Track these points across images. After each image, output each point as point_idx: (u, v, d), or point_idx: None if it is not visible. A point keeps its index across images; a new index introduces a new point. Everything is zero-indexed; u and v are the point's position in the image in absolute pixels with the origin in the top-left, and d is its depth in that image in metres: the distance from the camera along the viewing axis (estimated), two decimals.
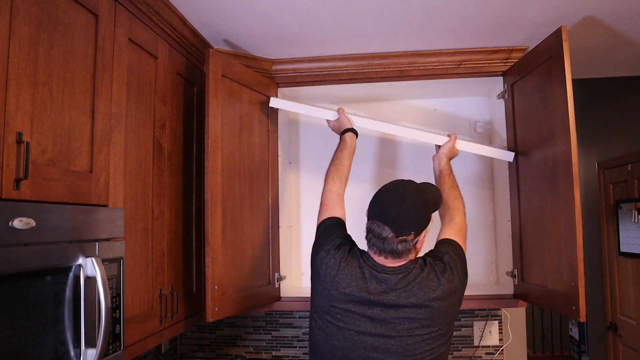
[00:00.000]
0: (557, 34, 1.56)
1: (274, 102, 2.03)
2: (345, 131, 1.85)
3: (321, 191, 1.67)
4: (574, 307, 1.47)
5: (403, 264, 1.37)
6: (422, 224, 1.37)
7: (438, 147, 1.90)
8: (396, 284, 1.35)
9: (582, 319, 1.44)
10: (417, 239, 1.37)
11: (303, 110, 2.06)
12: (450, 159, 1.86)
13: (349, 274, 1.38)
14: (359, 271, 1.38)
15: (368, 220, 1.40)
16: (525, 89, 1.85)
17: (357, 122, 1.94)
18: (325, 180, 1.69)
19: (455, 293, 1.39)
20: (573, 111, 1.50)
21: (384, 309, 1.34)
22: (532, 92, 1.79)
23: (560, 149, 1.55)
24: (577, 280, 1.46)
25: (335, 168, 1.71)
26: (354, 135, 1.85)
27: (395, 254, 1.35)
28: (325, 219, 1.56)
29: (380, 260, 1.38)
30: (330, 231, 1.51)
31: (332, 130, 1.97)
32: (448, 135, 1.89)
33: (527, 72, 1.81)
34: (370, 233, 1.38)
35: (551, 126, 1.61)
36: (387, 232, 1.33)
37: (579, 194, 1.47)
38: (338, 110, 1.93)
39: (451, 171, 1.81)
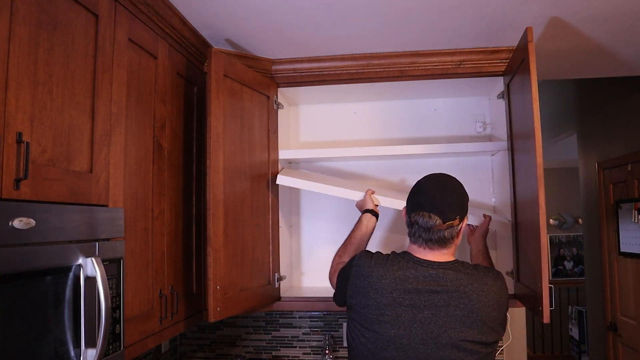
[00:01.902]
0: (524, 35, 1.56)
1: (282, 180, 2.01)
2: (365, 211, 1.83)
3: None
4: (540, 308, 1.44)
5: (451, 260, 1.37)
6: (464, 208, 1.39)
7: (473, 227, 1.89)
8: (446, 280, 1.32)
9: (546, 320, 1.41)
10: (460, 225, 1.37)
11: (326, 190, 1.98)
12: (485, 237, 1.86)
13: (393, 276, 1.34)
14: (404, 272, 1.34)
15: (410, 215, 1.39)
16: (514, 88, 1.86)
17: (383, 203, 1.91)
18: (333, 259, 1.72)
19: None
20: (538, 110, 1.49)
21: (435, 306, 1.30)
22: (517, 92, 1.79)
23: (531, 148, 1.55)
24: (541, 281, 1.42)
25: (344, 247, 1.73)
26: (373, 218, 1.80)
27: (443, 242, 1.35)
28: (344, 265, 1.53)
29: (427, 254, 1.36)
30: (361, 255, 1.45)
31: (357, 208, 1.92)
32: (483, 216, 1.88)
33: (514, 72, 1.82)
34: (414, 225, 1.37)
35: (527, 125, 1.62)
36: (434, 220, 1.33)
37: (544, 194, 1.44)
38: (366, 192, 1.91)
39: (488, 250, 1.84)
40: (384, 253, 1.45)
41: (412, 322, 1.29)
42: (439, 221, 1.33)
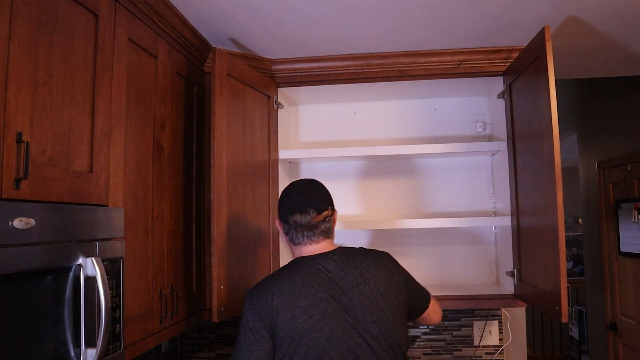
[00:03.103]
0: (541, 34, 1.55)
1: None
2: None
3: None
4: (557, 308, 1.47)
5: (336, 247, 1.42)
6: (331, 201, 1.48)
7: None
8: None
9: (564, 319, 1.45)
10: (333, 215, 1.46)
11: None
12: None
13: (301, 281, 1.33)
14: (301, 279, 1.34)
15: (287, 219, 1.42)
16: (520, 88, 1.85)
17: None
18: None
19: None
20: (556, 111, 1.50)
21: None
22: (525, 91, 1.79)
23: (546, 149, 1.56)
24: (559, 280, 1.46)
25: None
26: None
27: (326, 233, 1.42)
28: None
29: (315, 249, 1.40)
30: (252, 293, 1.38)
31: None
32: None
33: (520, 72, 1.81)
34: (292, 226, 1.40)
35: (539, 126, 1.62)
36: (310, 215, 1.39)
37: (562, 194, 1.47)
38: None
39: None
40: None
41: (338, 312, 1.28)
42: (314, 213, 1.40)
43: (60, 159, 1.12)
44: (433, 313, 1.57)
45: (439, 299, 1.54)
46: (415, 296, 1.47)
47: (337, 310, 1.29)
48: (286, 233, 1.44)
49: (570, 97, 3.97)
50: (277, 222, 1.48)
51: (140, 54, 1.50)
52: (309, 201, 1.41)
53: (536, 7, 1.65)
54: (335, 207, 1.49)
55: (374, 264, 1.38)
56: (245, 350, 1.30)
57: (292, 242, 1.43)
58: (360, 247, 1.47)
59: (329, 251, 1.40)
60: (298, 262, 1.39)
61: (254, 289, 1.37)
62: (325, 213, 1.42)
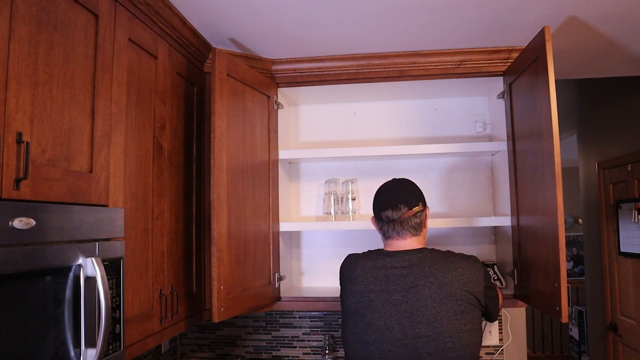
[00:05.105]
0: (541, 34, 1.55)
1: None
2: None
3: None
4: (557, 308, 1.47)
5: (419, 247, 1.49)
6: (423, 197, 1.54)
7: None
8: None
9: (565, 319, 1.46)
10: (424, 212, 1.52)
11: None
12: None
13: (362, 267, 1.48)
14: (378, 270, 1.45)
15: (380, 214, 1.51)
16: (520, 89, 1.85)
17: None
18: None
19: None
20: (556, 111, 1.50)
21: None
22: (524, 92, 1.79)
23: (546, 149, 1.56)
24: (559, 280, 1.46)
25: None
26: None
27: (414, 228, 1.49)
28: None
29: (399, 245, 1.48)
30: (343, 261, 1.61)
31: None
32: None
33: (520, 72, 1.81)
34: (384, 222, 1.50)
35: (539, 126, 1.62)
36: (401, 210, 1.47)
37: (562, 194, 1.47)
38: None
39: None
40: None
41: (385, 305, 1.39)
42: (405, 209, 1.47)
43: (60, 159, 1.12)
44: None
45: None
46: (490, 311, 1.49)
47: (383, 304, 1.39)
48: (380, 229, 1.53)
49: (570, 97, 3.97)
50: (372, 220, 1.58)
51: (141, 54, 1.50)
52: (399, 197, 1.50)
53: (536, 8, 1.65)
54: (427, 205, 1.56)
55: (444, 268, 1.40)
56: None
57: (385, 236, 1.53)
58: (448, 251, 1.50)
59: (409, 250, 1.47)
60: (374, 252, 1.52)
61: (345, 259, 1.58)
62: (415, 209, 1.49)
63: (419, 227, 1.50)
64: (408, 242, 1.48)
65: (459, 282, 1.38)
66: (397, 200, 1.49)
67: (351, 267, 1.50)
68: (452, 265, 1.41)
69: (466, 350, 1.35)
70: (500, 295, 1.59)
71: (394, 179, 1.60)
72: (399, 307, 1.37)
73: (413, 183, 1.57)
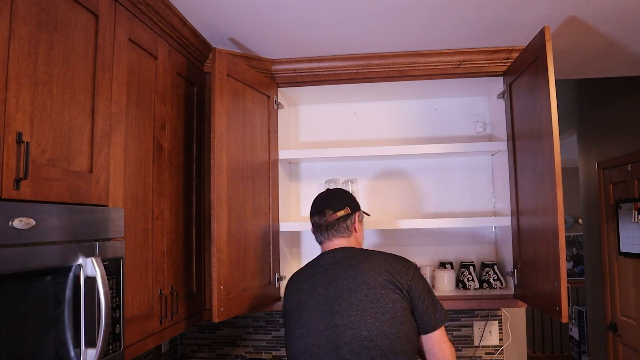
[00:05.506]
0: (541, 34, 1.55)
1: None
2: None
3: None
4: (557, 308, 1.48)
5: (345, 245, 1.55)
6: (352, 203, 1.61)
7: None
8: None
9: (565, 319, 1.46)
10: (354, 216, 1.58)
11: None
12: None
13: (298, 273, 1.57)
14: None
15: (312, 224, 1.61)
16: (520, 89, 1.85)
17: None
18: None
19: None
20: (556, 111, 1.50)
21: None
22: (525, 92, 1.79)
23: (546, 149, 1.56)
24: (560, 280, 1.46)
25: None
26: None
27: (342, 231, 1.55)
28: None
29: (330, 245, 1.55)
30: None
31: None
32: None
33: (520, 72, 1.81)
34: (315, 228, 1.59)
35: (539, 126, 1.62)
36: (326, 214, 1.56)
37: (562, 194, 1.47)
38: None
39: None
40: None
41: (310, 300, 1.44)
42: (330, 212, 1.56)
43: (61, 159, 1.12)
44: (438, 347, 1.43)
45: (440, 298, 1.53)
46: (421, 310, 1.41)
47: (309, 300, 1.44)
48: (314, 235, 1.61)
49: (570, 97, 3.97)
50: (311, 230, 1.63)
51: (141, 54, 1.50)
52: (325, 203, 1.59)
53: (536, 8, 1.65)
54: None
55: (363, 259, 1.46)
56: None
57: (317, 241, 1.60)
58: (378, 250, 1.54)
59: (335, 249, 1.53)
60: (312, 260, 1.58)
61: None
62: (340, 212, 1.55)
63: (347, 230, 1.56)
64: (336, 243, 1.55)
65: (374, 271, 1.42)
66: (323, 206, 1.58)
67: (292, 277, 1.59)
68: (371, 256, 1.47)
69: (384, 340, 1.33)
70: (441, 307, 1.46)
71: (325, 191, 1.67)
72: (321, 301, 1.42)
73: (344, 191, 1.65)
